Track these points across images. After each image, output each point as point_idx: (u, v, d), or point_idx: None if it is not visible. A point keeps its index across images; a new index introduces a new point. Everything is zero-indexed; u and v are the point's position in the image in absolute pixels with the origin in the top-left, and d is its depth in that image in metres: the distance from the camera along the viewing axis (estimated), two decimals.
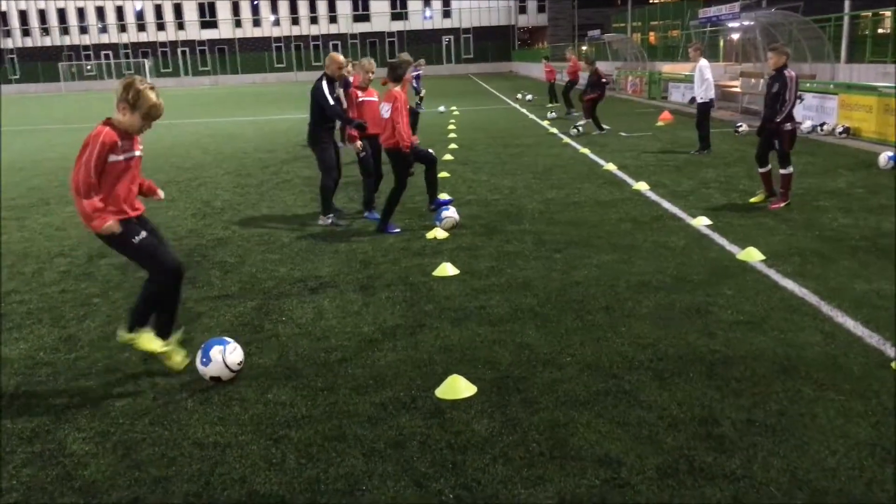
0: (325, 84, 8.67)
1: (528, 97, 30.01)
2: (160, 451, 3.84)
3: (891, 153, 11.34)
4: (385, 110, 8.07)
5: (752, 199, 9.23)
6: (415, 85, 24.86)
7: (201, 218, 9.75)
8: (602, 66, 35.61)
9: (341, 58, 8.97)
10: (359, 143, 8.92)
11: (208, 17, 78.44)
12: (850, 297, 5.65)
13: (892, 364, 4.42)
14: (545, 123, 20.30)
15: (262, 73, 75.07)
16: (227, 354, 4.57)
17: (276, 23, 78.40)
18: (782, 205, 8.82)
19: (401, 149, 8.05)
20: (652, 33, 42.28)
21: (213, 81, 74.45)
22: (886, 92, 14.17)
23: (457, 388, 4.33)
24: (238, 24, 78.32)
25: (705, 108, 13.54)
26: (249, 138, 19.87)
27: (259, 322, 5.68)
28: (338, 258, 7.46)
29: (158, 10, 78.15)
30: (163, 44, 78.35)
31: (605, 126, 17.64)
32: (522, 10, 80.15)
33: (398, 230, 8.43)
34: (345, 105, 9.63)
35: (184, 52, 78.06)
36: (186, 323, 5.47)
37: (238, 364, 4.62)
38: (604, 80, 18.16)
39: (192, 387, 4.56)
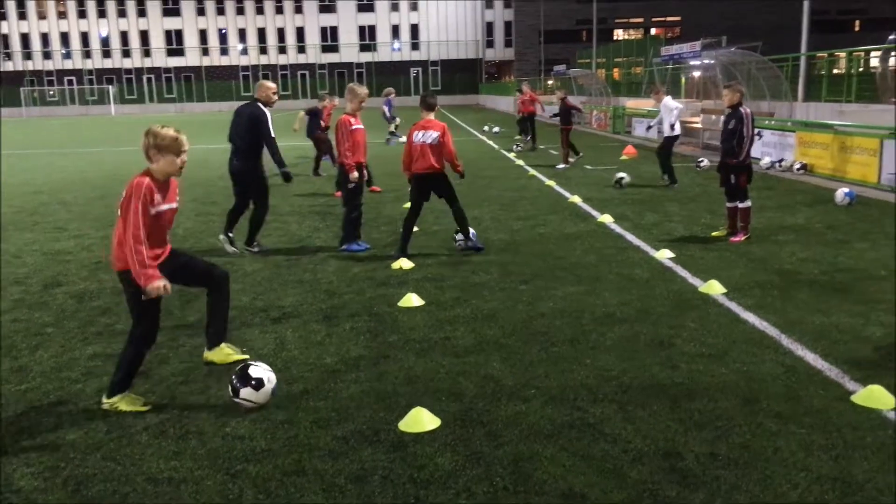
0: (269, 114, 8.61)
1: (496, 129, 30.30)
2: (112, 487, 3.70)
3: (847, 189, 11.62)
4: (430, 137, 8.42)
5: (715, 233, 9.37)
6: (387, 114, 24.99)
7: None
8: (568, 100, 36.17)
9: (273, 85, 8.99)
10: (355, 173, 8.67)
11: (175, 45, 78.23)
12: (809, 330, 5.73)
13: (851, 398, 4.47)
14: (512, 156, 20.47)
15: (228, 101, 74.78)
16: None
17: (244, 52, 78.46)
18: (742, 238, 8.96)
19: (443, 174, 8.49)
20: (616, 69, 43.12)
21: (178, 109, 74.05)
22: (842, 130, 14.57)
23: (420, 420, 4.27)
24: (205, 52, 78.22)
25: (670, 141, 13.86)
26: (215, 166, 19.67)
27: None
28: (302, 288, 7.37)
29: (124, 37, 77.76)
30: (128, 70, 77.86)
31: (570, 160, 17.83)
32: (490, 44, 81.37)
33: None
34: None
35: (149, 79, 77.61)
36: (210, 363, 5.33)
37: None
38: (572, 109, 18.45)
39: (146, 420, 4.43)
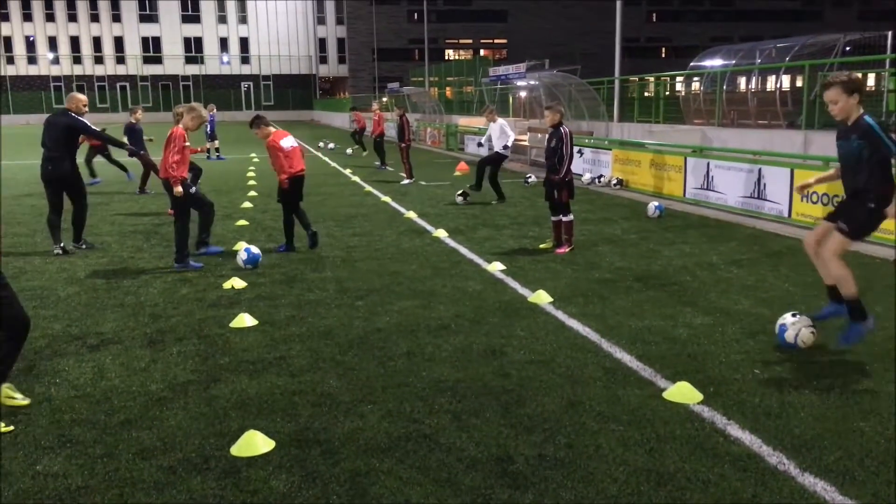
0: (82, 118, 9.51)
1: (331, 145, 30.14)
2: None
3: (657, 203, 12.63)
4: (295, 142, 9.82)
5: (542, 245, 9.84)
6: (208, 131, 24.09)
7: None
8: None
9: (85, 97, 9.83)
10: (179, 187, 8.60)
11: None
12: (626, 334, 6.16)
13: (663, 395, 4.84)
14: (348, 172, 20.44)
15: (38, 113, 69.20)
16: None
17: (56, 61, 72.93)
18: (567, 250, 9.48)
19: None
20: (448, 88, 44.30)
21: None
22: (653, 148, 15.83)
23: (253, 444, 4.14)
24: (10, 60, 71.91)
25: (500, 158, 14.41)
26: (23, 183, 18.11)
27: (28, 385, 5.10)
28: (123, 312, 6.94)
29: None
30: None
31: (403, 176, 18.09)
32: (323, 60, 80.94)
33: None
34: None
35: None
36: None
37: None
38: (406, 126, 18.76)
39: None
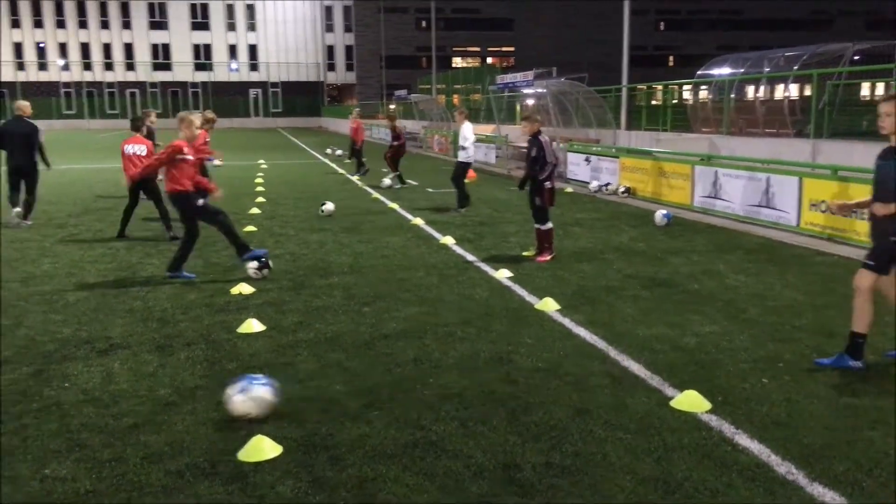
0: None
1: (338, 152, 30.20)
2: None
3: (664, 211, 12.61)
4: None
5: (525, 253, 9.81)
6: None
7: None
8: (410, 124, 36.80)
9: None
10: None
11: None
12: (633, 342, 6.14)
13: (671, 403, 4.83)
14: (355, 179, 20.48)
15: (48, 119, 69.67)
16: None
17: (66, 67, 73.42)
18: (548, 258, 9.44)
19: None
20: (455, 95, 44.38)
21: None
22: (659, 156, 15.82)
23: (261, 449, 4.15)
24: (21, 66, 72.42)
25: (465, 167, 14.23)
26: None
27: (37, 389, 5.13)
28: (132, 317, 6.96)
29: None
30: None
31: (407, 181, 18.20)
32: (331, 67, 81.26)
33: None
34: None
35: None
36: None
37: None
38: (399, 134, 19.22)
39: None
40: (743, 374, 5.35)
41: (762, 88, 22.91)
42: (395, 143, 19.21)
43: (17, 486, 3.83)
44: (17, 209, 12.33)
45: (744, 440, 4.29)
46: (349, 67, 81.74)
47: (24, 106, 12.71)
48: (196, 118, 8.90)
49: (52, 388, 5.16)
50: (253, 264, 8.44)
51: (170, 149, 8.31)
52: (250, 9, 77.12)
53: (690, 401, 4.79)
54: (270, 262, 8.62)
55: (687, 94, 25.30)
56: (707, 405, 4.75)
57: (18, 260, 9.60)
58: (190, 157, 8.46)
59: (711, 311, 7.03)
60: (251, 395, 4.53)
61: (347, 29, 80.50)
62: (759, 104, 20.81)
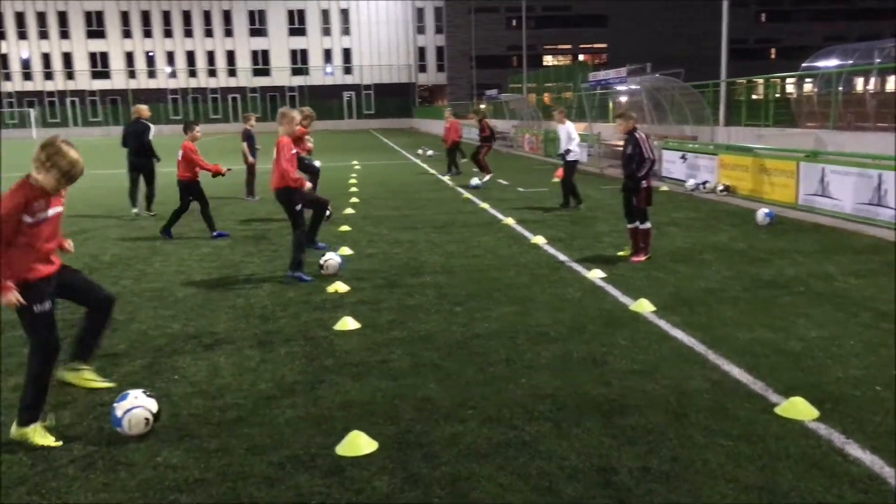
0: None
1: (429, 153, 30.51)
2: None
3: (766, 210, 12.13)
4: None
5: (620, 253, 9.61)
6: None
7: (88, 273, 9.28)
8: (500, 123, 36.74)
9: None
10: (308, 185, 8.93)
11: (100, 67, 76.32)
12: (734, 345, 5.94)
13: (775, 410, 4.64)
14: (446, 179, 20.63)
15: (157, 124, 73.24)
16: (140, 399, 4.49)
17: (173, 74, 77.09)
18: (643, 258, 9.21)
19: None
20: (546, 94, 44.03)
21: (104, 132, 71.87)
22: (761, 153, 15.22)
23: (357, 444, 4.25)
24: (132, 74, 76.51)
25: (573, 166, 14.19)
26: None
27: (149, 381, 5.41)
28: (235, 313, 7.25)
29: (46, 59, 75.50)
30: (50, 93, 75.60)
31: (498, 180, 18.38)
32: (423, 68, 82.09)
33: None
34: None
35: (73, 102, 75.44)
36: (67, 385, 5.15)
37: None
38: (486, 132, 19.63)
39: (73, 452, 4.27)
40: (854, 382, 5.09)
41: (872, 80, 21.68)
42: (484, 142, 19.42)
43: (133, 472, 4.05)
44: (135, 210, 14.09)
45: (855, 450, 4.08)
46: (440, 68, 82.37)
47: (141, 109, 14.47)
48: (296, 114, 9.16)
49: (164, 381, 5.44)
50: (333, 262, 8.81)
51: (283, 150, 8.38)
52: (344, 13, 78.84)
53: (797, 408, 4.59)
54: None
55: (790, 88, 24.23)
56: (815, 413, 4.54)
57: (132, 259, 10.15)
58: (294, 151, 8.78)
59: (819, 315, 6.72)
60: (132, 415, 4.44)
61: (438, 30, 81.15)
62: (869, 97, 19.72)
